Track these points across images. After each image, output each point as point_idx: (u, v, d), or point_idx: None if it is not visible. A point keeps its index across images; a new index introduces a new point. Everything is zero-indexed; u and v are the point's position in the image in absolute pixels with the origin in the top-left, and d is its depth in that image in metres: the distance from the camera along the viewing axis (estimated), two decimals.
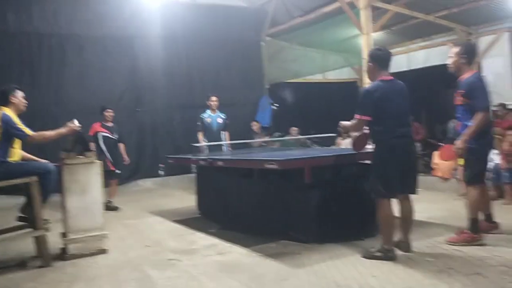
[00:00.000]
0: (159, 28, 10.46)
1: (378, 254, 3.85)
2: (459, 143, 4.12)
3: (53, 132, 4.46)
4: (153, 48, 10.52)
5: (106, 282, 3.70)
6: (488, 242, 4.15)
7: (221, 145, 7.91)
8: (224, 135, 8.13)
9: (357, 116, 3.97)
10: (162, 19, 10.34)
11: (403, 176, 3.96)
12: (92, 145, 7.03)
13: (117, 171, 7.52)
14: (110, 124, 7.59)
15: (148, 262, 4.19)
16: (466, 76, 4.22)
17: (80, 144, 4.58)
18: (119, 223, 6.18)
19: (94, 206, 4.53)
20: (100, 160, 6.88)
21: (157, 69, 10.58)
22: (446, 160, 5.25)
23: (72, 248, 4.44)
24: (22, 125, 4.32)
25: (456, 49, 4.33)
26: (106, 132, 7.46)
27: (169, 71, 10.74)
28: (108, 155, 7.37)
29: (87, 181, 4.50)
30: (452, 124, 8.03)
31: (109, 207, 7.15)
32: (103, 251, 4.56)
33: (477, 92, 4.12)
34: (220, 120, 8.11)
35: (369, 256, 3.88)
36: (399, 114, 3.96)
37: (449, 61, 4.38)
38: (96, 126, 7.47)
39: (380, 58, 4.11)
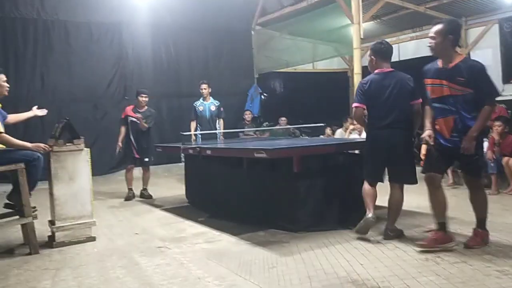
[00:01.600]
0: (147, 15, 10.34)
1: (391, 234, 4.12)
2: (469, 141, 3.57)
3: (20, 142, 4.28)
4: (140, 35, 10.42)
5: (94, 269, 3.69)
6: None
7: (214, 133, 7.82)
8: (219, 123, 8.05)
9: (353, 104, 4.27)
10: (150, 6, 10.22)
11: (389, 165, 4.15)
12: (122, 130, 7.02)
13: (145, 159, 7.21)
14: (142, 110, 7.24)
15: (136, 250, 4.18)
16: (459, 60, 3.65)
17: (68, 131, 4.53)
18: (108, 211, 6.16)
19: (82, 193, 4.50)
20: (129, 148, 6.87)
21: (144, 57, 10.50)
22: None
23: (60, 236, 4.41)
24: None
25: (439, 27, 3.66)
26: (135, 118, 7.11)
27: (157, 59, 10.67)
28: (134, 141, 7.12)
29: (75, 169, 4.46)
30: None
31: (144, 194, 7.04)
32: (91, 239, 4.54)
33: (485, 79, 3.58)
34: (213, 108, 8.00)
35: (388, 237, 4.11)
36: (386, 106, 4.06)
37: (430, 43, 3.71)
38: (128, 110, 7.18)
39: (381, 52, 4.22)
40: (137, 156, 7.15)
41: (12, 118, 4.65)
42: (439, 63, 3.76)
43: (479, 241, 3.75)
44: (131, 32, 10.33)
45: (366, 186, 4.20)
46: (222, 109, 8.12)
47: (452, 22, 3.76)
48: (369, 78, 4.20)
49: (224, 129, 8.11)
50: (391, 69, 4.21)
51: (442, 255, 3.54)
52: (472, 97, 3.57)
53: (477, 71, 3.58)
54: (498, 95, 3.67)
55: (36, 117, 4.91)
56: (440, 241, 3.70)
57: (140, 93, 7.28)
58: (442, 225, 3.76)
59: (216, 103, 8.05)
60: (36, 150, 4.28)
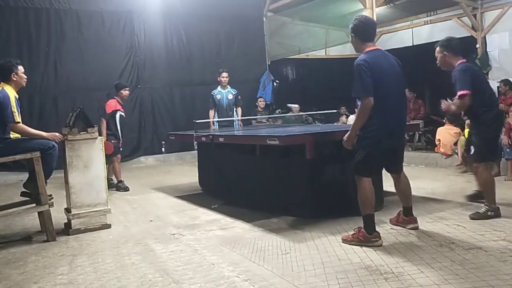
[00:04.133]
0: (159, 3, 10.34)
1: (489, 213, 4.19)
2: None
3: (35, 131, 4.35)
4: (152, 24, 10.42)
5: (109, 255, 3.74)
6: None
7: (231, 121, 7.81)
8: (236, 111, 8.07)
9: (463, 91, 4.15)
10: None
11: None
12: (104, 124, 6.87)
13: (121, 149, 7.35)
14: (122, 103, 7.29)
15: (151, 237, 4.23)
16: None
17: (81, 120, 4.57)
18: (122, 198, 6.22)
19: (97, 181, 4.55)
20: (116, 139, 6.92)
21: (156, 45, 10.51)
22: None
23: (76, 223, 4.48)
24: (16, 108, 4.22)
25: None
26: (122, 111, 7.16)
27: (168, 47, 10.67)
28: (120, 134, 7.12)
29: (89, 157, 4.51)
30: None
31: (120, 187, 6.86)
32: (106, 226, 4.60)
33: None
34: (230, 97, 8.01)
35: (478, 217, 4.17)
36: (487, 90, 4.41)
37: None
38: (115, 104, 7.07)
39: (453, 47, 4.35)
40: (121, 148, 7.27)
41: None
42: None
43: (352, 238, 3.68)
44: (143, 20, 10.34)
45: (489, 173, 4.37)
46: (240, 97, 8.15)
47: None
48: (467, 65, 4.28)
49: (241, 117, 8.14)
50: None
51: (457, 241, 3.52)
52: None
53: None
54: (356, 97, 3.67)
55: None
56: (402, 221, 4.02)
57: (125, 87, 7.33)
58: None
59: (234, 91, 8.06)
60: (51, 139, 4.33)
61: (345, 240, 3.69)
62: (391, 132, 3.65)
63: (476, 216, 4.19)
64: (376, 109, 3.51)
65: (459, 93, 4.16)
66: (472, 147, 4.39)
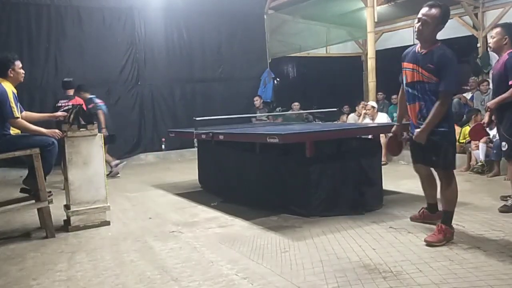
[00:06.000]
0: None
1: None
2: (421, 131, 3.54)
3: (35, 127, 4.33)
4: (153, 20, 10.41)
5: (108, 252, 3.75)
6: (489, 216, 4.18)
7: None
8: None
9: None
10: None
11: None
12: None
13: None
14: None
15: (150, 234, 4.23)
16: (434, 46, 3.47)
17: (81, 116, 4.57)
18: (122, 195, 6.22)
19: (97, 178, 4.54)
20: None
21: (157, 42, 10.50)
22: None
23: (75, 220, 4.47)
24: (14, 103, 4.20)
25: (434, 12, 3.40)
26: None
27: (169, 44, 10.66)
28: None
29: (89, 154, 4.50)
30: (456, 99, 7.99)
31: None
32: (106, 223, 4.60)
33: (449, 71, 3.52)
34: None
35: (507, 209, 4.28)
36: None
37: (419, 27, 3.46)
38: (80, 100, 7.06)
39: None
40: None
41: (27, 115, 4.53)
42: (418, 47, 3.58)
43: (440, 237, 3.48)
44: (143, 17, 10.32)
45: None
46: None
47: (446, 10, 3.46)
48: None
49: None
50: None
51: (456, 241, 3.52)
52: (437, 87, 3.42)
53: (445, 61, 3.39)
54: (453, 92, 3.63)
55: (52, 117, 4.93)
56: (428, 217, 4.00)
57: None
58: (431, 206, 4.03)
59: None
60: (51, 136, 4.33)
61: (432, 243, 3.44)
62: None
63: (505, 209, 4.28)
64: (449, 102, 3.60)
65: None
66: (504, 143, 4.36)
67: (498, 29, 4.35)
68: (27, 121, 4.34)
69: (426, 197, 4.05)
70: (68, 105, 6.72)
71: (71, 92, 7.23)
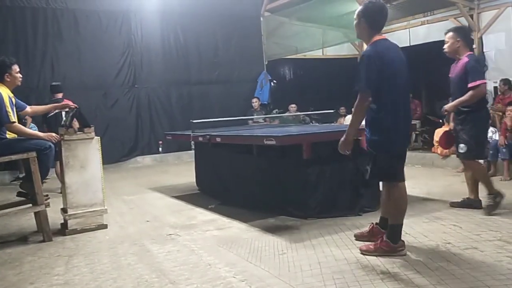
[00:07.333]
0: (156, 2, 10.34)
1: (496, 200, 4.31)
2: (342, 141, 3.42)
3: (32, 131, 4.42)
4: (149, 23, 10.42)
5: (106, 256, 3.73)
6: (486, 218, 4.19)
7: None
8: None
9: (480, 81, 4.22)
10: None
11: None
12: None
13: None
14: None
15: (147, 237, 4.22)
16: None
17: (78, 120, 4.56)
18: (119, 199, 6.21)
19: (94, 181, 4.53)
20: None
21: (154, 44, 10.51)
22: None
23: (73, 223, 4.46)
24: (10, 108, 4.19)
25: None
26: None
27: (166, 46, 10.67)
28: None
29: (86, 157, 4.50)
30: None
31: None
32: (103, 226, 4.59)
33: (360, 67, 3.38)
34: None
35: (492, 209, 4.29)
36: None
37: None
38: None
39: (468, 38, 4.47)
40: None
41: (33, 109, 4.75)
42: None
43: (371, 248, 3.36)
44: (140, 19, 10.33)
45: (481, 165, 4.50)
46: None
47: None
48: (479, 57, 4.28)
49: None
50: None
51: (453, 241, 3.53)
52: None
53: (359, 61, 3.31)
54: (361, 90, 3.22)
55: (55, 108, 5.08)
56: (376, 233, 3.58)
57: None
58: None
59: None
60: (47, 140, 4.32)
61: (365, 251, 3.36)
62: (405, 134, 3.39)
63: (490, 209, 4.29)
64: (389, 108, 3.21)
65: (476, 83, 4.15)
66: (463, 145, 4.35)
67: (450, 34, 4.42)
68: (35, 112, 4.38)
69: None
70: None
71: (59, 95, 7.19)
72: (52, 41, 9.43)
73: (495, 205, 4.31)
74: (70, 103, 6.88)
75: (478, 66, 4.28)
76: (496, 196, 4.34)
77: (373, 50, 3.23)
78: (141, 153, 10.36)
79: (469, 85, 4.18)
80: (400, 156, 3.35)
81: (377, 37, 3.31)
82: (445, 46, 4.45)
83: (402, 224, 3.35)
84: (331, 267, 3.15)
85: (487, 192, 4.38)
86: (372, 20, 3.31)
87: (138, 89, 10.39)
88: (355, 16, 3.40)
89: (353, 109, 3.35)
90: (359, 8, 3.38)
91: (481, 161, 5.15)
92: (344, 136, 3.35)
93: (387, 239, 3.32)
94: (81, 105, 4.78)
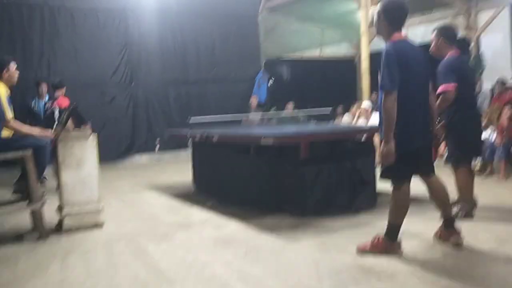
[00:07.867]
0: (153, 1, 10.28)
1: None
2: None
3: (28, 129, 4.35)
4: (147, 21, 10.38)
5: (101, 254, 3.72)
6: (482, 217, 4.19)
7: None
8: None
9: (448, 85, 4.05)
10: None
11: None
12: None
13: None
14: None
15: (144, 236, 4.21)
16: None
17: (75, 118, 4.54)
18: (115, 197, 6.18)
19: (90, 179, 4.51)
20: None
21: (151, 43, 10.46)
22: None
23: (69, 222, 4.44)
24: (7, 105, 4.18)
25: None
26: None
27: (163, 45, 10.63)
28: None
29: (82, 155, 4.47)
30: None
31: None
32: (99, 225, 4.57)
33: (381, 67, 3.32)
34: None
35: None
36: (472, 87, 4.70)
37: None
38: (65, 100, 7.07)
39: (451, 36, 4.26)
40: None
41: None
42: None
43: (367, 246, 3.37)
44: (137, 18, 10.29)
45: (466, 172, 4.19)
46: None
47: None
48: (456, 58, 4.13)
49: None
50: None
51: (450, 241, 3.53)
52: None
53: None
54: (385, 87, 3.14)
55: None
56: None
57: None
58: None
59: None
60: (44, 137, 4.29)
61: (362, 250, 3.36)
62: (417, 136, 3.29)
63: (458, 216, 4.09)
64: (401, 108, 3.13)
65: (440, 89, 3.99)
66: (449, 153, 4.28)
67: (433, 34, 4.30)
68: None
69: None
70: (54, 107, 6.89)
71: (59, 92, 7.17)
72: (49, 38, 9.38)
73: (462, 213, 4.15)
74: (65, 101, 6.89)
75: (446, 70, 4.04)
76: (465, 204, 4.18)
77: (393, 49, 3.20)
78: (138, 151, 10.32)
79: (439, 90, 4.03)
80: (409, 158, 3.23)
81: (396, 36, 3.29)
82: (431, 47, 4.33)
83: (401, 225, 3.34)
84: (327, 266, 3.15)
85: (459, 196, 4.24)
86: (392, 17, 3.29)
87: (135, 87, 10.36)
88: (375, 13, 3.39)
89: (382, 114, 3.21)
90: (379, 5, 3.37)
91: (477, 160, 5.12)
92: (383, 145, 3.17)
93: (384, 237, 3.32)
94: (78, 103, 4.76)
